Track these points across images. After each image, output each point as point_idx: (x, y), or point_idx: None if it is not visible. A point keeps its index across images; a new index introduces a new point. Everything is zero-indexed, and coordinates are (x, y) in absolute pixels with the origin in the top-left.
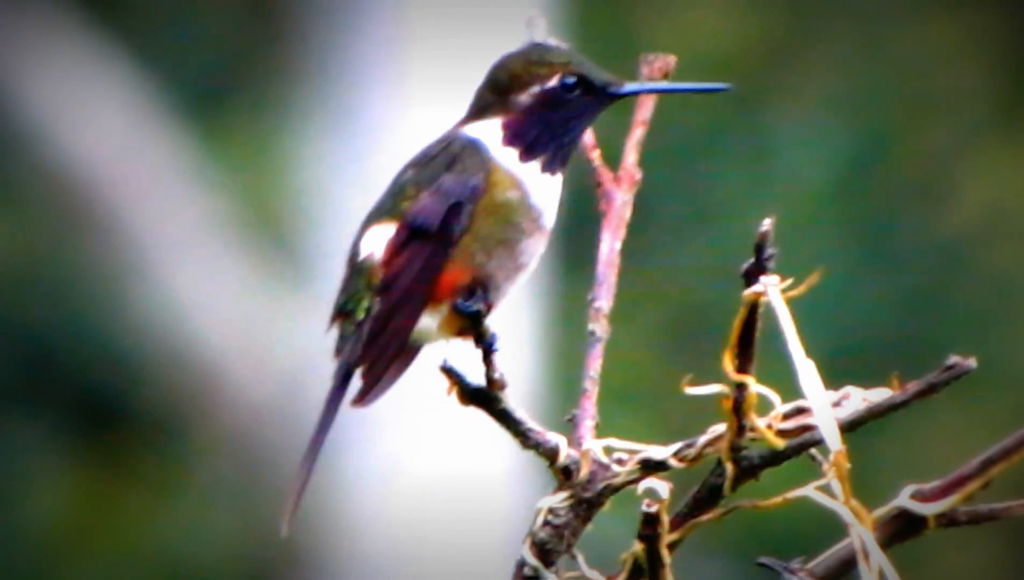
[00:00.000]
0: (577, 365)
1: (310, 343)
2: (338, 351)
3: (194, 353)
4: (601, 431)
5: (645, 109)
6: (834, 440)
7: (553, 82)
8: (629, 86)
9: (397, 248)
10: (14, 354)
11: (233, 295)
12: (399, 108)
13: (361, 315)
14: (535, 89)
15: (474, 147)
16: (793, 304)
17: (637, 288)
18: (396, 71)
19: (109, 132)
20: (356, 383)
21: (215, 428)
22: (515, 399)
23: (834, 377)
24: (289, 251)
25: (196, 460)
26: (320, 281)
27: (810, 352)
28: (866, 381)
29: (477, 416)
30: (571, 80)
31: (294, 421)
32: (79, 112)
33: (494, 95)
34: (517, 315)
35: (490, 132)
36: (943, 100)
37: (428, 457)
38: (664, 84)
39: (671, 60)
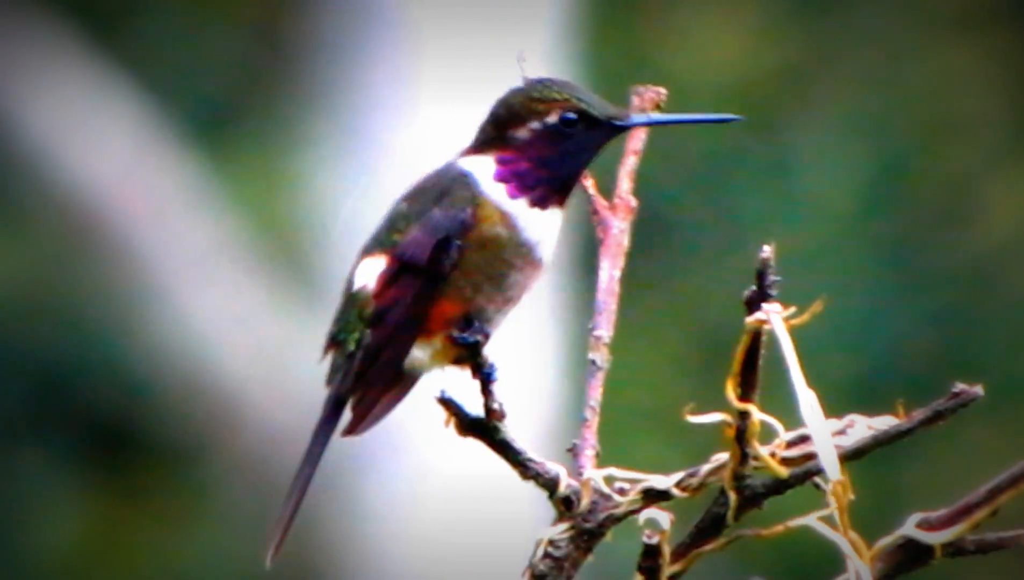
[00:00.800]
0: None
1: (325, 368)
2: (329, 381)
3: (208, 378)
4: (621, 452)
5: (637, 139)
6: (833, 470)
7: (552, 118)
8: (636, 118)
9: (388, 281)
10: (27, 380)
11: (247, 319)
12: (406, 128)
13: (352, 346)
14: (533, 125)
15: (464, 180)
16: (813, 330)
17: (660, 312)
18: (403, 92)
19: (119, 156)
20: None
21: (230, 455)
22: (520, 430)
23: (861, 401)
24: (302, 274)
25: (211, 487)
26: (331, 303)
27: (835, 377)
28: (894, 405)
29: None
30: (571, 116)
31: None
32: (89, 137)
33: (494, 129)
34: (523, 345)
35: (483, 166)
36: (962, 123)
37: (442, 483)
38: (672, 115)
39: (662, 92)
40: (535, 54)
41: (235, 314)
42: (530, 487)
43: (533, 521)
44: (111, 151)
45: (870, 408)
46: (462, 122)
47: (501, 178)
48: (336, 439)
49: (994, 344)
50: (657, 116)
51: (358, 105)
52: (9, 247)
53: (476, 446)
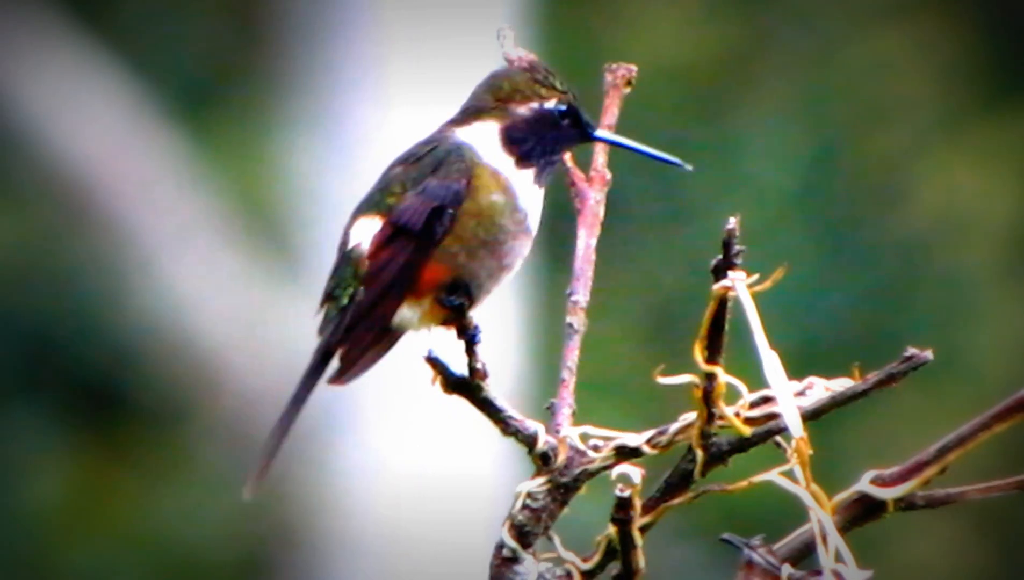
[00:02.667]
0: (558, 358)
1: (302, 333)
2: (321, 331)
3: (191, 343)
4: (581, 420)
5: (611, 115)
6: (796, 427)
7: (551, 104)
8: (601, 133)
9: (382, 243)
10: (17, 344)
11: (228, 288)
12: (381, 108)
13: (345, 301)
14: (534, 105)
15: (459, 152)
16: (761, 301)
17: (615, 285)
18: (378, 73)
19: (107, 132)
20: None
21: (211, 416)
22: (498, 389)
23: (801, 369)
24: (281, 245)
25: (193, 447)
26: (311, 274)
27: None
28: (831, 373)
29: (462, 405)
30: (565, 108)
31: None
32: (78, 114)
33: (493, 100)
34: (503, 311)
35: (485, 136)
36: (894, 106)
37: (419, 441)
38: (630, 142)
39: (633, 69)
40: (493, 37)
41: (216, 283)
42: (497, 451)
43: (501, 480)
44: (99, 128)
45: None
46: (431, 101)
47: (507, 148)
48: (313, 398)
49: (925, 317)
50: (619, 138)
51: (332, 85)
52: (2, 218)
53: (449, 409)
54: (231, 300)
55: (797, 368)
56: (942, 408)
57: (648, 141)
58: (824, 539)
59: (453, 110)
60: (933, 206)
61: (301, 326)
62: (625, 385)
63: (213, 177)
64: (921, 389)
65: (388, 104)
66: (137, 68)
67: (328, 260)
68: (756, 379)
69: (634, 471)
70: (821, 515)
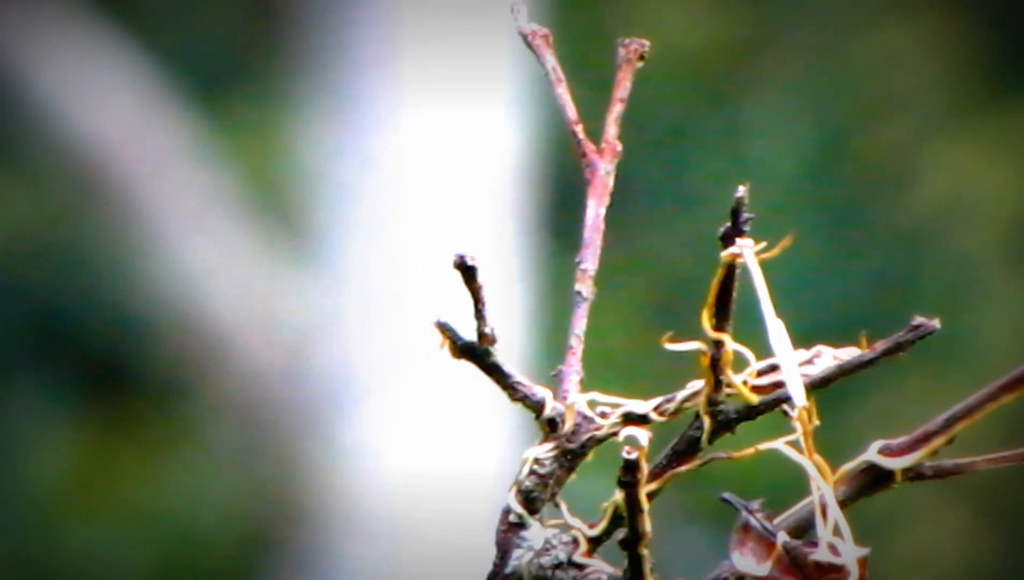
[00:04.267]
0: (566, 328)
1: (310, 313)
2: None
3: (200, 321)
4: (587, 388)
5: (623, 89)
6: (799, 395)
7: None
8: None
9: None
10: (26, 319)
11: (239, 267)
12: (395, 90)
13: None
14: None
15: None
16: (767, 283)
17: (621, 268)
18: (392, 54)
19: (120, 112)
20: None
21: (219, 393)
22: (506, 356)
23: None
24: (292, 226)
25: (200, 424)
26: (320, 255)
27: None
28: (859, 336)
29: (470, 381)
30: None
31: (294, 386)
32: (94, 95)
33: None
34: (512, 282)
35: None
36: (900, 95)
37: (428, 420)
38: None
39: (646, 44)
40: (507, 16)
41: (226, 261)
42: (497, 440)
43: (508, 464)
44: (114, 108)
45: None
46: (445, 83)
47: None
48: (320, 377)
49: (928, 303)
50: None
51: (347, 67)
52: (17, 195)
53: (458, 388)
54: (241, 279)
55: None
56: (947, 391)
57: (655, 125)
58: (824, 511)
59: (467, 92)
60: (939, 192)
61: (308, 305)
62: (629, 365)
63: (226, 157)
64: (927, 371)
65: (403, 86)
66: (152, 47)
67: (338, 240)
68: (764, 348)
69: (641, 433)
70: (822, 486)
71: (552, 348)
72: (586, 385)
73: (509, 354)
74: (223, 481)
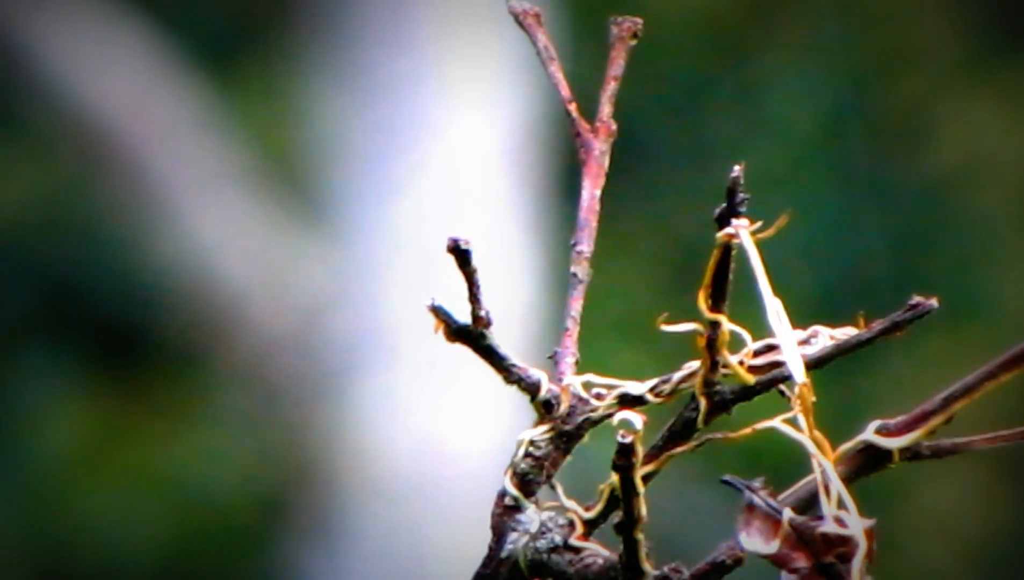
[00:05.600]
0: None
1: (322, 280)
2: None
3: (213, 288)
4: (600, 366)
5: (617, 67)
6: (799, 374)
7: None
8: None
9: None
10: (38, 289)
11: (251, 235)
12: (406, 57)
13: None
14: None
15: None
16: (782, 246)
17: (636, 229)
18: (402, 21)
19: (131, 83)
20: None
21: (232, 360)
22: (505, 338)
23: (824, 313)
24: (303, 194)
25: (213, 391)
26: (331, 222)
27: (799, 291)
28: (855, 318)
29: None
30: None
31: (307, 353)
32: (103, 64)
33: None
34: (513, 264)
35: None
36: (919, 50)
37: (441, 385)
38: None
39: (639, 22)
40: None
41: (238, 229)
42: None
43: (520, 416)
44: (123, 77)
45: (834, 322)
46: (456, 50)
47: None
48: (332, 343)
49: (947, 261)
50: None
51: (356, 34)
52: (27, 165)
53: (461, 355)
54: (252, 246)
55: (820, 312)
56: (968, 351)
57: (670, 84)
58: (827, 487)
59: (476, 58)
60: (957, 149)
61: (321, 272)
62: (645, 330)
63: (236, 124)
64: (947, 334)
65: (413, 53)
66: (160, 15)
67: (350, 207)
68: (761, 329)
69: (636, 417)
70: (823, 462)
71: (556, 320)
72: (604, 344)
73: (515, 333)
74: (237, 448)
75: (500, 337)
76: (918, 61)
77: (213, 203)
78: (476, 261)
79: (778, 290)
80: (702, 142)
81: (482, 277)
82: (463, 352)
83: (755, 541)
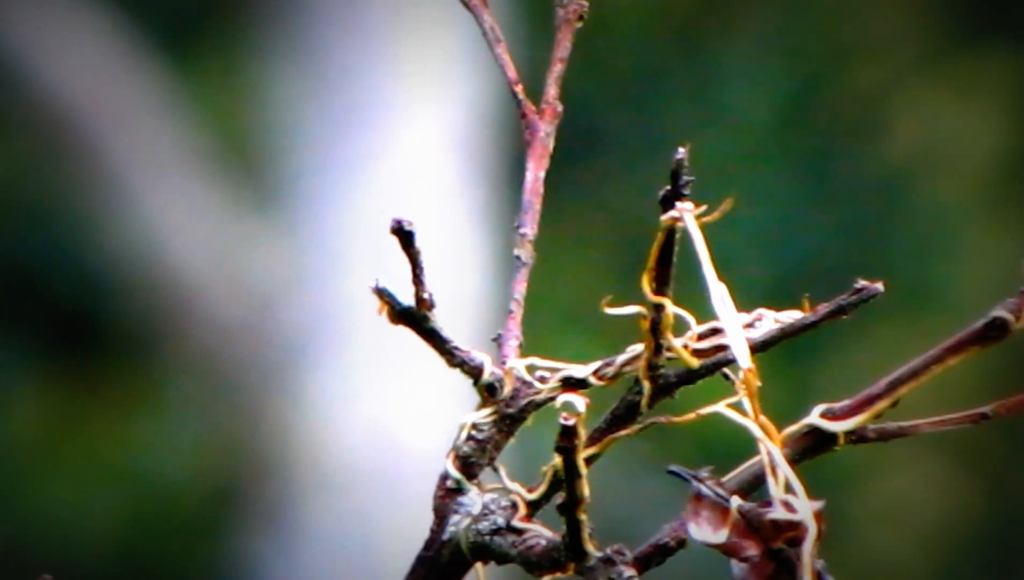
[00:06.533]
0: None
1: (278, 267)
2: None
3: (167, 275)
4: (548, 352)
5: (563, 49)
6: (744, 358)
7: None
8: None
9: None
10: None
11: (205, 220)
12: (361, 46)
13: None
14: None
15: None
16: (737, 236)
17: (593, 213)
18: (359, 9)
19: (86, 65)
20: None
21: (186, 348)
22: (449, 321)
23: (779, 303)
24: (259, 180)
25: (166, 379)
26: (286, 209)
27: (755, 280)
28: (802, 299)
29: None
30: None
31: (261, 342)
32: (56, 46)
33: None
34: (460, 248)
35: None
36: (876, 39)
37: (393, 374)
38: None
39: (584, 4)
40: None
41: (193, 215)
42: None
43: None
44: (79, 61)
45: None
46: (411, 34)
47: None
48: (286, 332)
49: (901, 251)
50: None
51: (313, 18)
52: None
53: (414, 345)
54: (207, 232)
55: (773, 301)
56: (921, 341)
57: (625, 73)
58: (774, 471)
59: (431, 45)
60: (913, 140)
61: (275, 259)
62: (596, 319)
63: (194, 110)
64: (901, 323)
65: (367, 40)
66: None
67: (305, 194)
68: (706, 312)
69: (579, 400)
70: (770, 446)
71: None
72: (554, 334)
73: (466, 320)
74: (190, 436)
75: (451, 324)
76: (873, 52)
77: (169, 188)
78: (420, 243)
79: (733, 279)
80: (656, 132)
81: (427, 260)
82: (416, 342)
83: (704, 531)
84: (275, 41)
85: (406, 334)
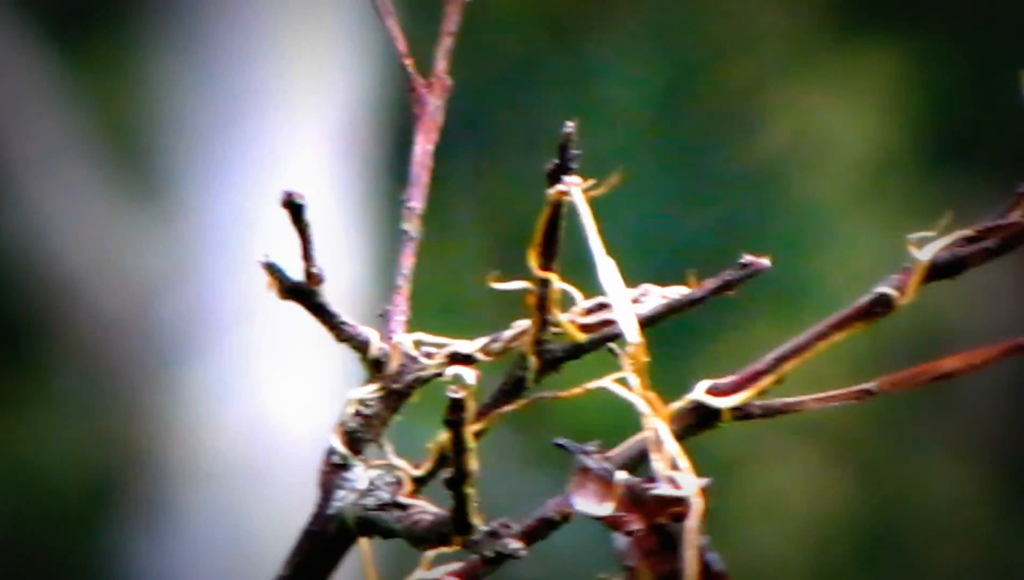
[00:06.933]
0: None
1: (158, 259)
2: None
3: (48, 266)
4: (436, 329)
5: (452, 22)
6: (632, 333)
7: None
8: None
9: None
10: None
11: (87, 211)
12: (246, 35)
13: None
14: None
15: None
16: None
17: (468, 202)
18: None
19: None
20: None
21: (65, 339)
22: (337, 297)
23: None
24: (141, 169)
25: (47, 371)
26: (170, 199)
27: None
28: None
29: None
30: None
31: (140, 334)
32: None
33: None
34: (345, 225)
35: None
36: (751, 35)
37: (275, 367)
38: None
39: None
40: None
41: (76, 205)
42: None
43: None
44: None
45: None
46: (298, 27)
47: None
48: (168, 324)
49: (775, 245)
50: None
51: (200, 8)
52: None
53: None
54: (89, 223)
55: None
56: (794, 335)
57: (501, 63)
58: (659, 446)
59: (314, 32)
60: (787, 134)
61: (156, 250)
62: (477, 305)
63: (75, 97)
64: (775, 317)
65: (250, 27)
66: None
67: (187, 185)
68: (593, 289)
69: (468, 372)
70: (655, 421)
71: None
72: (432, 326)
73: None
74: (70, 429)
75: (338, 306)
76: (748, 46)
77: (51, 178)
78: (309, 217)
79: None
80: (533, 124)
81: (315, 234)
82: (292, 335)
83: (589, 504)
84: (158, 31)
85: (283, 327)
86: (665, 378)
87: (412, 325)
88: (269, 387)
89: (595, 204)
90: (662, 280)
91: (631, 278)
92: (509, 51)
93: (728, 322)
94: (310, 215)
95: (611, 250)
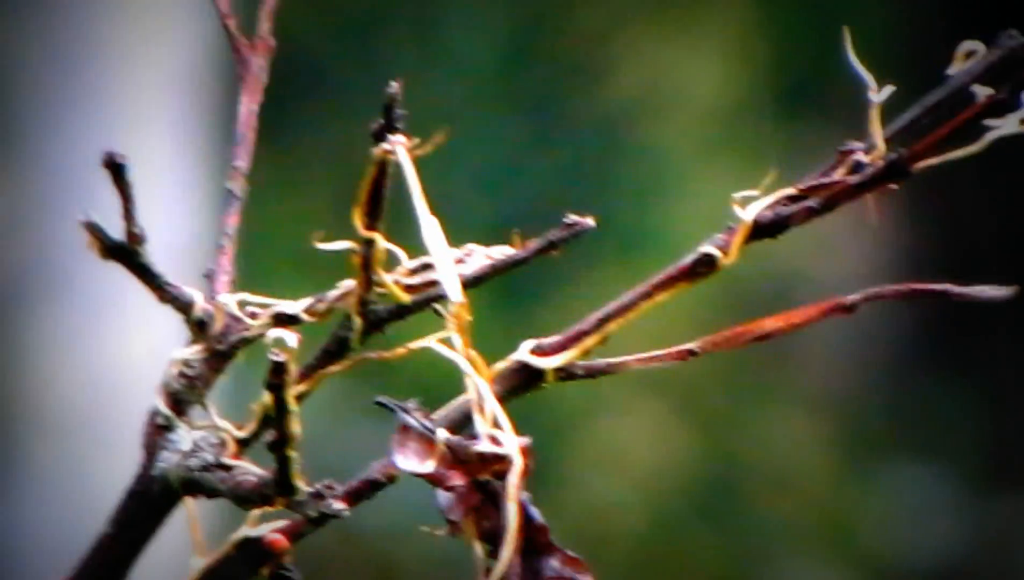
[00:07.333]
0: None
1: (2, 208)
2: None
3: None
4: (270, 290)
5: None
6: (455, 292)
7: None
8: None
9: None
10: None
11: None
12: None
13: None
14: None
15: None
16: (460, 179)
17: (314, 154)
18: None
19: None
20: None
21: None
22: (161, 257)
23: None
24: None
25: None
26: (14, 148)
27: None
28: (512, 234)
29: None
30: None
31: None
32: None
33: None
34: (174, 182)
35: None
36: None
37: (118, 317)
38: None
39: None
40: None
41: None
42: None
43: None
44: None
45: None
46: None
47: None
48: (4, 274)
49: (622, 194)
50: None
51: None
52: None
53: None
54: None
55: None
56: (640, 282)
57: (345, 15)
58: (482, 405)
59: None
60: (634, 83)
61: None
62: (321, 262)
63: None
64: (623, 265)
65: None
66: None
67: (24, 133)
68: (419, 249)
69: (290, 335)
70: (477, 380)
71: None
72: (285, 280)
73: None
74: None
75: (171, 264)
76: None
77: None
78: (131, 176)
79: (456, 221)
80: (378, 72)
81: (144, 197)
82: (134, 284)
83: (410, 461)
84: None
85: (125, 276)
86: (510, 328)
87: (265, 277)
88: (117, 337)
89: (442, 154)
90: (509, 229)
91: (479, 227)
92: (355, 2)
93: (573, 270)
94: (143, 174)
95: (458, 201)
